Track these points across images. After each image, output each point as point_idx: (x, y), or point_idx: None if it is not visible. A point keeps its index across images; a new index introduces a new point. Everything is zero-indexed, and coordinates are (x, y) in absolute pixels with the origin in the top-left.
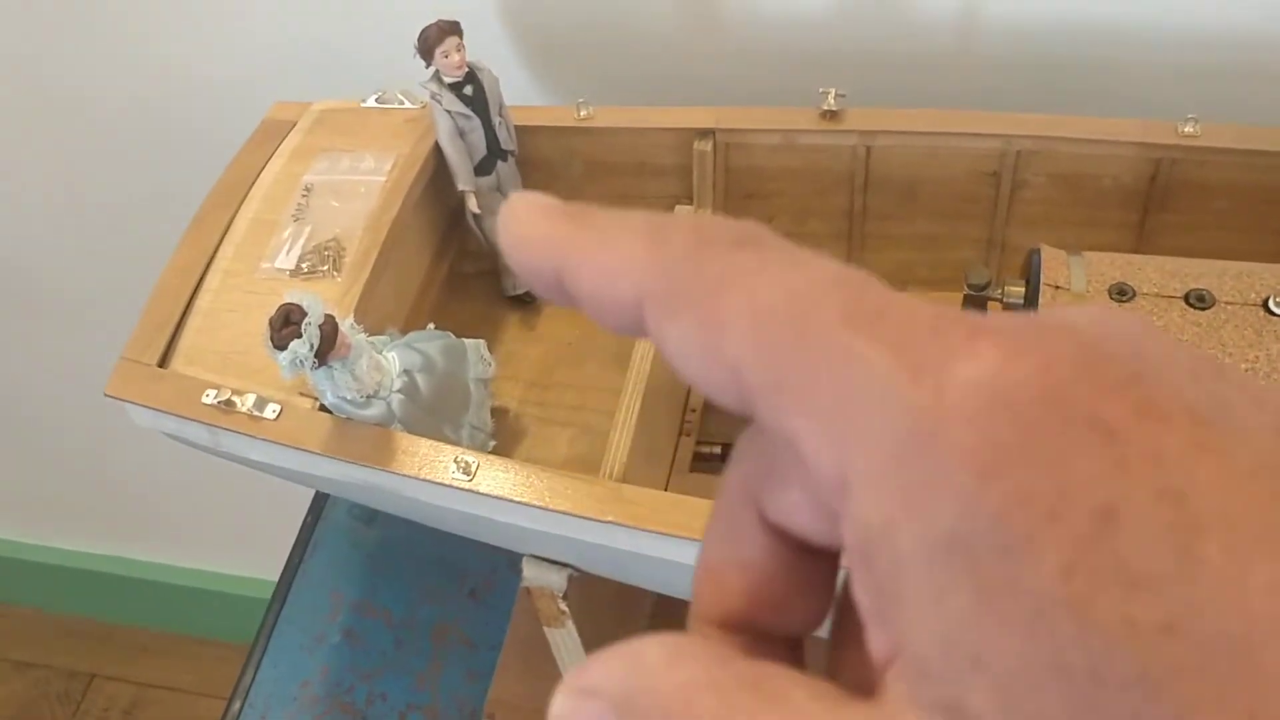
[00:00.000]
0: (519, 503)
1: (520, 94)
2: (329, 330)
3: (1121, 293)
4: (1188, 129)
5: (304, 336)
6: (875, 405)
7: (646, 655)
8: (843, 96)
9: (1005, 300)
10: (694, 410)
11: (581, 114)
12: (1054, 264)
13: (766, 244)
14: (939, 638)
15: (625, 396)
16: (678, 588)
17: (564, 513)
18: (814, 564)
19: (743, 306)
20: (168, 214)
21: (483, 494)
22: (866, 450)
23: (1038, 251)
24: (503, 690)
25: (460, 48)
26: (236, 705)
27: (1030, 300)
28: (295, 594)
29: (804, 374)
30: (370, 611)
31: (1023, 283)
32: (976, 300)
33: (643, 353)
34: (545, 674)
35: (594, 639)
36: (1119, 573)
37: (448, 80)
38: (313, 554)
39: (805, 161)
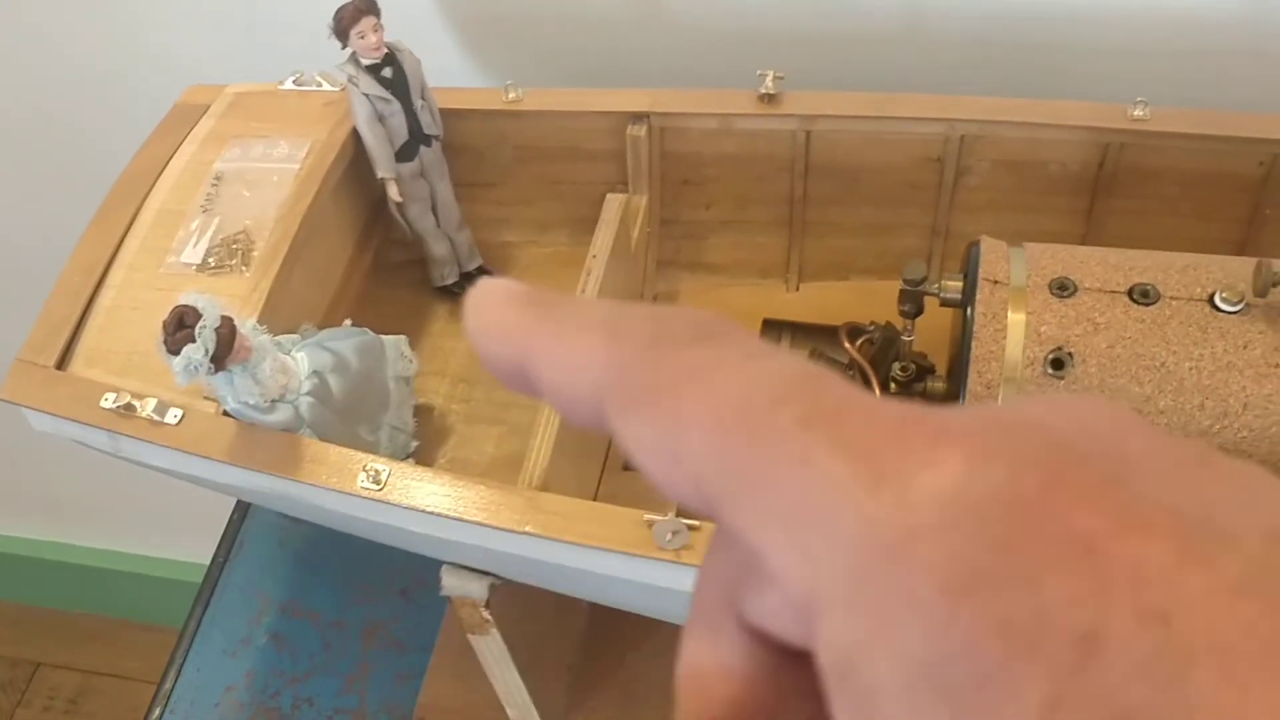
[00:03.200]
0: (431, 513)
1: (449, 76)
2: (226, 334)
3: (1063, 287)
4: (1137, 113)
5: (199, 341)
6: (836, 518)
7: None
8: (781, 79)
9: (943, 295)
10: None
11: (510, 97)
12: (993, 257)
13: (724, 338)
14: None
15: None
16: (607, 596)
17: (478, 523)
18: (801, 668)
19: (699, 409)
20: (77, 208)
21: (393, 504)
22: (831, 567)
23: (977, 244)
24: (433, 694)
25: (378, 28)
26: (157, 711)
27: (968, 295)
28: (220, 595)
29: (763, 483)
30: (298, 613)
31: (960, 277)
32: (913, 295)
33: None
34: (477, 677)
35: (523, 646)
36: (1106, 707)
37: (365, 62)
38: (239, 553)
39: (743, 147)
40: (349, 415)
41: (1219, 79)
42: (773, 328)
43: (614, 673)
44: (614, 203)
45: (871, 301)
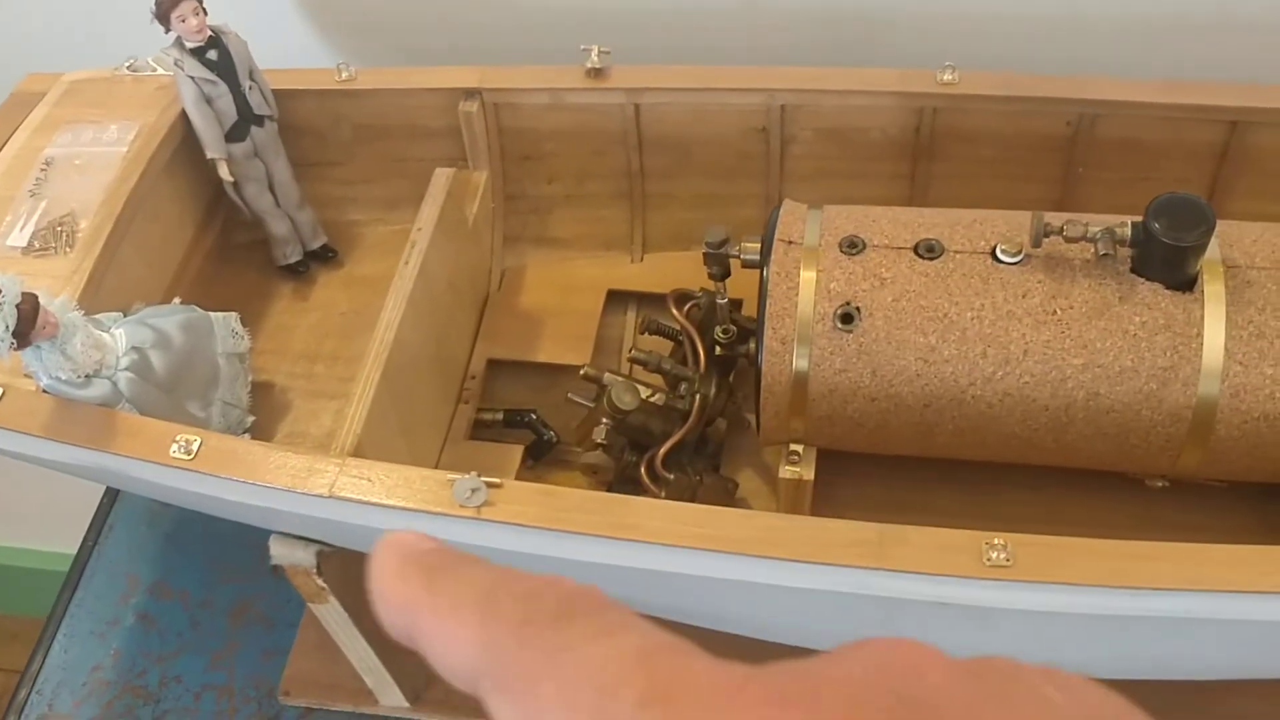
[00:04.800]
0: (242, 482)
1: (288, 57)
2: (28, 310)
3: (852, 245)
4: (946, 77)
5: None
6: None
7: None
8: (606, 54)
9: (742, 257)
10: (474, 377)
11: (343, 76)
12: (790, 219)
13: (585, 617)
14: None
15: (365, 367)
16: None
17: (286, 489)
18: None
19: (553, 699)
20: None
21: (205, 473)
22: None
23: (779, 207)
24: (298, 667)
25: (199, 11)
26: (23, 693)
27: (764, 255)
28: (89, 577)
29: None
30: (166, 593)
31: (758, 239)
32: (716, 258)
33: (388, 321)
34: (340, 650)
35: (366, 613)
36: None
37: (189, 45)
38: (108, 536)
39: (576, 121)
40: (175, 390)
41: (1030, 43)
42: (618, 298)
43: None
44: (441, 177)
45: None
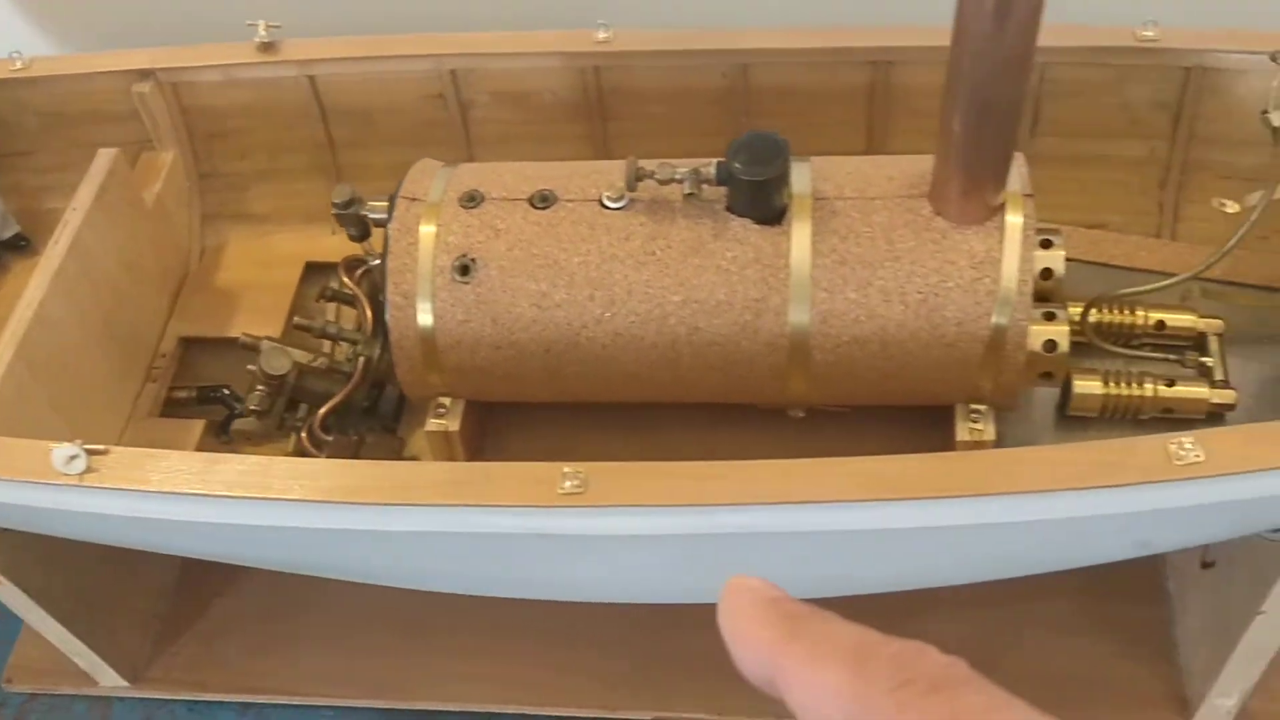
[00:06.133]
0: None
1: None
2: None
3: (471, 199)
4: (601, 35)
5: None
6: None
7: None
8: (276, 28)
9: (371, 216)
10: (164, 355)
11: (17, 65)
12: (418, 177)
13: (964, 688)
14: None
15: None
16: (61, 529)
17: None
18: None
19: None
20: None
21: None
22: None
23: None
24: (22, 655)
25: None
26: None
27: (390, 214)
28: None
29: None
30: None
31: (386, 199)
32: (347, 219)
33: (29, 300)
34: None
35: (65, 597)
36: None
37: None
38: None
39: (257, 96)
40: None
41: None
42: (319, 270)
43: (200, 617)
44: (102, 158)
45: None
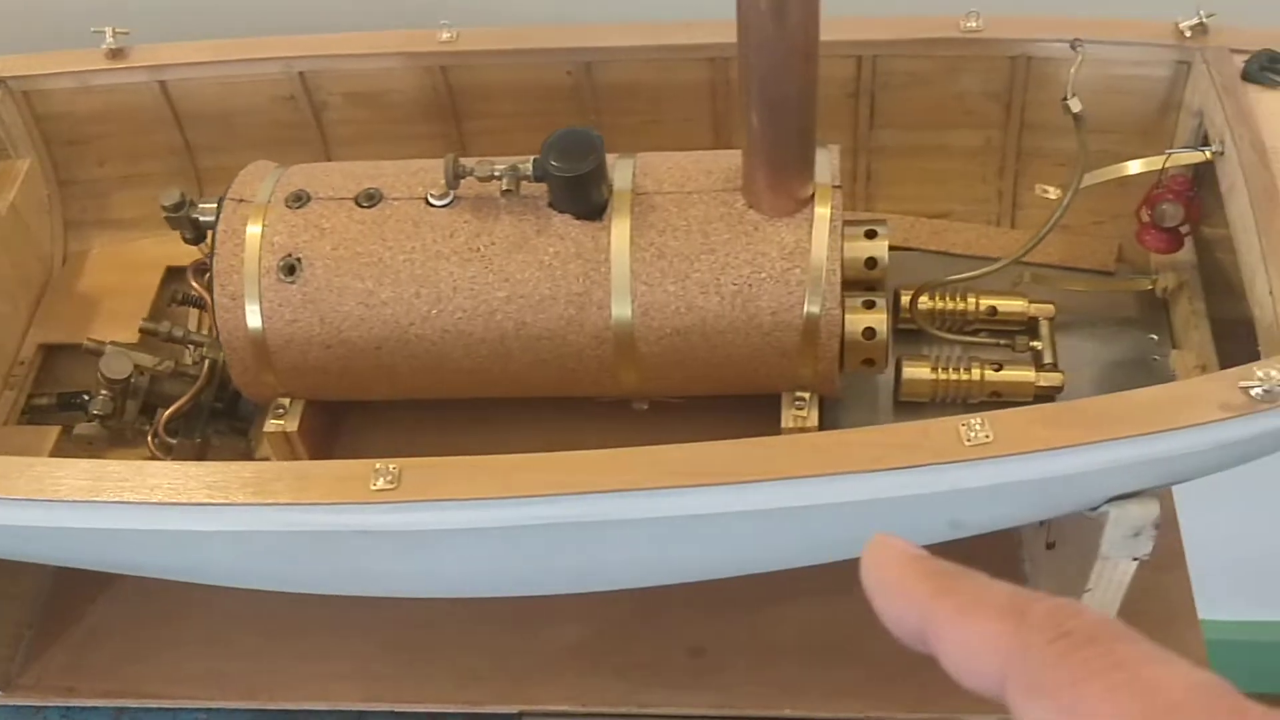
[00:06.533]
0: None
1: None
2: None
3: (297, 199)
4: (444, 35)
5: None
6: None
7: None
8: (124, 34)
9: (201, 219)
10: (23, 362)
11: None
12: (248, 178)
13: (1123, 641)
14: None
15: None
16: None
17: None
18: None
19: (1100, 708)
20: None
21: None
22: None
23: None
24: None
25: None
26: None
27: (218, 215)
28: None
29: None
30: None
31: (215, 200)
32: (178, 221)
33: None
34: None
35: None
36: None
37: None
38: None
39: (110, 103)
40: None
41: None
42: (176, 275)
43: (74, 625)
44: None
45: None
